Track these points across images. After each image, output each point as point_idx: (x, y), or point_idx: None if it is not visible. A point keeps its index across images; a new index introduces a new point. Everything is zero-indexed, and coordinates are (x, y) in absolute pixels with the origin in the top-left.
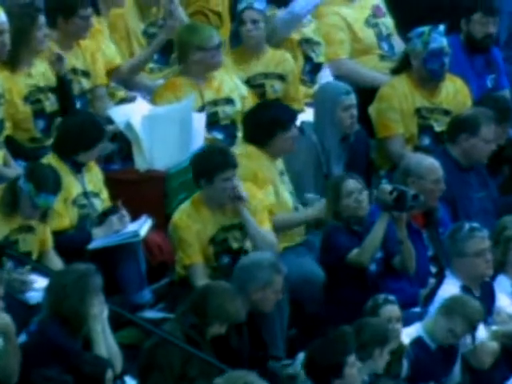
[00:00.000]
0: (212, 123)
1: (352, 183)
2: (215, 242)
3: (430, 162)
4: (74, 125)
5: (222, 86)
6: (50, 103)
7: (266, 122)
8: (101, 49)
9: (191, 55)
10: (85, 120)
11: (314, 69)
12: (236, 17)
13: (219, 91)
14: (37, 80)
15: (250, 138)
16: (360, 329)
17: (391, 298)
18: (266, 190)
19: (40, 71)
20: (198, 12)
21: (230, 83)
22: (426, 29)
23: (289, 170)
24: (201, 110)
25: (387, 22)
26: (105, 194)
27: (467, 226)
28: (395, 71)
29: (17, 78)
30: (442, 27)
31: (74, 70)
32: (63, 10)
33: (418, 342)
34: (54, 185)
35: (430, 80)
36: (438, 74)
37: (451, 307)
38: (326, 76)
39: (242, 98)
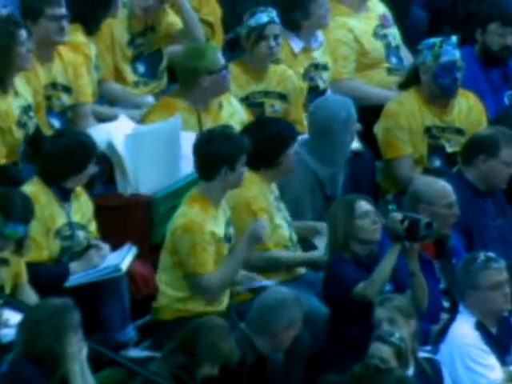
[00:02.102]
0: None
1: (366, 204)
2: (227, 237)
3: (442, 186)
4: (62, 146)
5: (220, 111)
6: (33, 124)
7: (270, 140)
8: (86, 64)
9: (201, 81)
10: (73, 140)
11: (318, 96)
12: (249, 30)
13: (217, 118)
14: (23, 100)
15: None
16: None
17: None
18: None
19: (23, 89)
20: None
21: (229, 108)
22: (436, 40)
23: (283, 195)
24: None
25: (395, 32)
26: (93, 227)
27: (482, 256)
28: (403, 86)
29: (8, 102)
30: (454, 38)
31: (54, 85)
32: (29, 12)
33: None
34: (23, 213)
35: (440, 96)
36: (450, 90)
37: None
38: None
39: (242, 123)
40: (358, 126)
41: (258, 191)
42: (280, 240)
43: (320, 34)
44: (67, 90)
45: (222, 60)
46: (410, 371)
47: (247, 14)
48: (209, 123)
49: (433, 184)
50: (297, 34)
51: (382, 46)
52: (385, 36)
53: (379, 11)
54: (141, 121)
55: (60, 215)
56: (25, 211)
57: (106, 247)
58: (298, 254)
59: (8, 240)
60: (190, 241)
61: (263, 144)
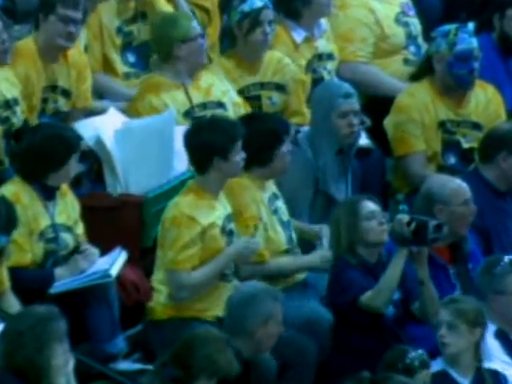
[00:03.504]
0: None
1: (371, 204)
2: (225, 231)
3: (457, 184)
4: (38, 141)
5: (211, 88)
6: (18, 120)
7: (264, 136)
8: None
9: (176, 50)
10: (50, 134)
11: None
12: (241, 16)
13: (208, 94)
14: (1, 95)
15: None
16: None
17: (425, 356)
18: (253, 230)
19: (5, 84)
20: None
21: (221, 87)
22: (452, 27)
23: (282, 189)
24: (188, 113)
25: (416, 22)
26: (80, 229)
27: (506, 259)
28: (415, 77)
29: None
30: (471, 25)
31: (53, 88)
32: (44, 6)
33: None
34: (5, 223)
35: (456, 88)
36: (466, 81)
37: None
38: None
39: (234, 105)
40: (366, 121)
41: (249, 198)
42: (277, 247)
43: (323, 22)
44: (66, 94)
45: (197, 28)
46: (466, 382)
47: (237, 1)
48: (199, 98)
49: (447, 182)
50: (298, 24)
51: (403, 33)
52: (407, 24)
53: None
54: (128, 111)
55: (43, 216)
56: (8, 220)
57: (94, 251)
58: (297, 260)
59: None
60: (175, 234)
61: (254, 141)
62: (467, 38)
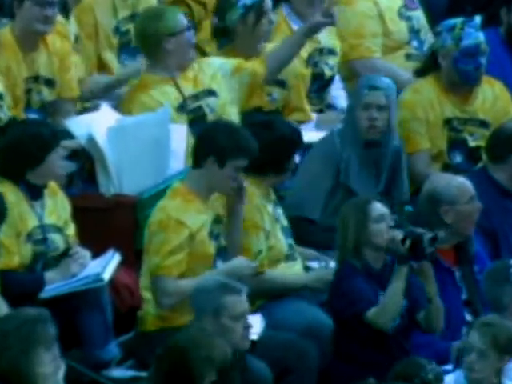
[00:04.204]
0: (198, 119)
1: (381, 206)
2: (213, 235)
3: (460, 182)
4: (12, 138)
5: (198, 76)
6: (4, 116)
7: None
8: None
9: (164, 44)
10: (25, 131)
11: (323, 86)
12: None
13: (197, 83)
14: None
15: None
16: None
17: (439, 370)
18: (255, 239)
19: None
20: (179, 1)
21: (208, 70)
22: (457, 21)
23: (297, 179)
24: (182, 106)
25: (420, 15)
26: (71, 230)
27: None
28: (420, 73)
29: None
30: (478, 19)
31: (36, 78)
32: None
33: None
34: None
35: (462, 84)
36: (473, 78)
37: None
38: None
39: (232, 74)
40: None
41: (255, 205)
42: (278, 253)
43: None
44: (50, 83)
45: (184, 21)
46: None
47: None
48: (189, 89)
49: (450, 181)
50: (298, 15)
51: (406, 28)
52: (409, 18)
53: None
54: (121, 107)
55: (30, 216)
56: None
57: (86, 254)
58: (295, 277)
59: None
60: (162, 239)
61: (274, 149)
62: (473, 32)
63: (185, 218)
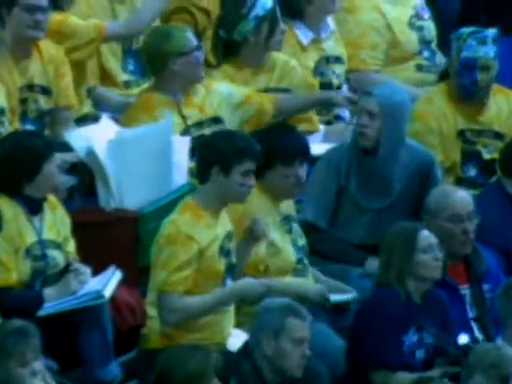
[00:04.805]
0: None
1: (429, 235)
2: (223, 251)
3: (451, 198)
4: (5, 151)
5: (205, 101)
6: (5, 130)
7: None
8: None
9: (170, 64)
10: (17, 143)
11: None
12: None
13: (203, 109)
14: None
15: None
16: None
17: None
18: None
19: None
20: (181, 9)
21: (215, 99)
22: (466, 31)
23: (310, 183)
24: (184, 133)
25: (431, 26)
26: (70, 246)
27: None
28: (438, 82)
29: None
30: (490, 32)
31: (31, 86)
32: (3, 0)
33: None
34: None
35: (463, 97)
36: (469, 92)
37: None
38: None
39: (238, 106)
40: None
41: (257, 204)
42: (285, 264)
43: (330, 23)
44: (46, 91)
45: (193, 40)
46: None
47: (245, 8)
48: (194, 116)
49: (443, 193)
50: (303, 23)
51: (417, 38)
52: (420, 28)
53: (416, 0)
54: (122, 122)
55: (29, 232)
56: None
57: (86, 270)
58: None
59: None
60: (170, 253)
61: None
62: (474, 45)
63: (194, 232)
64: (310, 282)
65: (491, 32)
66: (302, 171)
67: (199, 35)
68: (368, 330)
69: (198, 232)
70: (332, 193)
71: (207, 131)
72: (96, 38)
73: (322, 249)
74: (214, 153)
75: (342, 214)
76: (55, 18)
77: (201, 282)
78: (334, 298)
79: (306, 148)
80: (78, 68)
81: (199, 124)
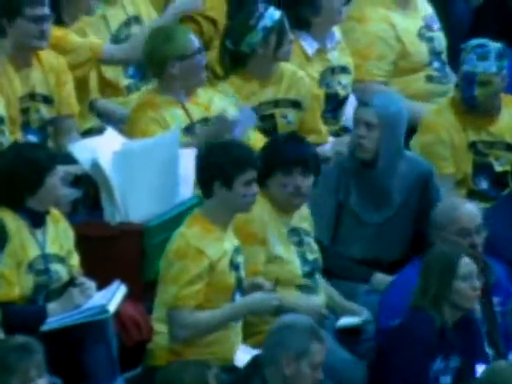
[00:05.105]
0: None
1: (470, 263)
2: (233, 265)
3: (459, 211)
4: (7, 163)
5: (211, 104)
6: (6, 140)
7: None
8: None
9: (169, 68)
10: (17, 156)
11: (338, 105)
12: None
13: (209, 109)
14: None
15: None
16: None
17: None
18: (250, 249)
19: None
20: (187, 18)
21: (220, 103)
22: (473, 43)
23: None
24: (189, 129)
25: (441, 37)
26: (74, 260)
27: None
28: None
29: None
30: (494, 46)
31: (32, 96)
32: (5, 10)
33: None
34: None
35: (468, 109)
36: (471, 105)
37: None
38: (351, 104)
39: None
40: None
41: (258, 213)
42: (290, 277)
43: (336, 33)
44: (48, 100)
45: (195, 43)
46: None
47: (253, 19)
48: (199, 113)
49: (450, 207)
50: (309, 34)
51: (427, 49)
52: (430, 39)
53: (427, 11)
54: (126, 131)
55: (32, 245)
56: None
57: (91, 285)
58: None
59: None
60: (180, 267)
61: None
62: (474, 59)
63: (204, 246)
64: (320, 300)
65: (495, 47)
66: (303, 181)
67: (205, 45)
68: (396, 352)
69: (208, 245)
70: (332, 208)
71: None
72: (91, 58)
73: (327, 266)
74: (213, 167)
75: (343, 229)
76: (55, 33)
77: (211, 296)
78: (344, 321)
79: (308, 157)
80: (80, 84)
81: (205, 120)
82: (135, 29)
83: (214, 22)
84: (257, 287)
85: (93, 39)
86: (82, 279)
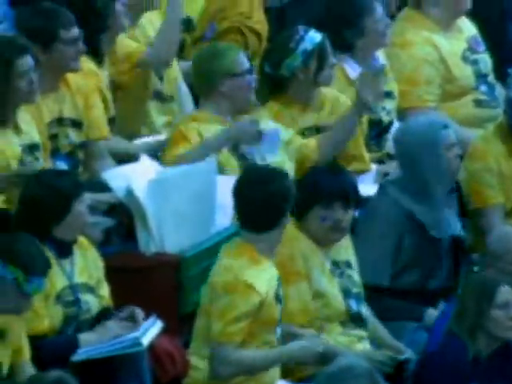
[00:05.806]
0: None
1: (509, 292)
2: (278, 298)
3: None
4: (31, 193)
5: None
6: (40, 167)
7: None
8: (100, 87)
9: (218, 85)
10: (42, 182)
11: (381, 131)
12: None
13: None
14: (28, 137)
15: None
16: None
17: None
18: (294, 288)
19: (28, 126)
20: (234, 29)
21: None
22: None
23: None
24: (233, 151)
25: (486, 59)
26: (105, 290)
27: None
28: None
29: (8, 139)
30: None
31: (60, 120)
32: (39, 37)
33: None
34: (43, 263)
35: None
36: None
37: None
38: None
39: (287, 144)
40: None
41: (297, 248)
42: (331, 312)
43: (380, 56)
44: (76, 124)
45: (245, 63)
46: None
47: (292, 42)
48: None
49: (506, 236)
50: (352, 57)
51: (472, 72)
52: (475, 62)
53: (470, 33)
54: (164, 151)
55: (59, 276)
56: (44, 260)
57: (140, 316)
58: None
59: (30, 299)
60: (228, 302)
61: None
62: None
63: (254, 280)
64: (363, 346)
65: None
66: (344, 215)
67: (249, 58)
68: (429, 378)
69: (258, 280)
70: (392, 249)
71: (257, 157)
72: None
73: (380, 309)
74: (280, 207)
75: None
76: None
77: (255, 330)
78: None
79: (349, 191)
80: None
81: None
82: None
83: (258, 34)
84: (295, 336)
85: (136, 45)
86: (133, 309)
